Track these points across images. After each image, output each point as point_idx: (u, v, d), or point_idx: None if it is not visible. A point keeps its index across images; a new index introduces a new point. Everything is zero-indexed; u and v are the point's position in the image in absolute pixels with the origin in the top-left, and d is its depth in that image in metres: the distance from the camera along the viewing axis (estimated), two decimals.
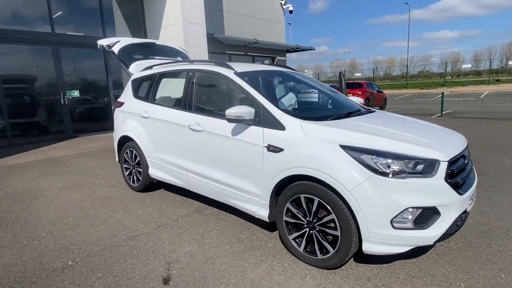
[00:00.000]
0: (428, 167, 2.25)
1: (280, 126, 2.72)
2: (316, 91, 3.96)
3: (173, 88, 4.04)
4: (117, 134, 4.59)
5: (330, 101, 3.59)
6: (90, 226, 3.42)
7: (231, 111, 2.79)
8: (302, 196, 2.57)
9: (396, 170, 2.23)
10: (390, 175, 2.22)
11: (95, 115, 9.68)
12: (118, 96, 4.85)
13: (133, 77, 4.58)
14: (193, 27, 9.46)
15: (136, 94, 4.44)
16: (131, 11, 10.28)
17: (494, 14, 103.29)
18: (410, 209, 2.21)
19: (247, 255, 2.80)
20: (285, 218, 2.73)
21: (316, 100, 3.91)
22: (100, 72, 9.72)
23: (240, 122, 2.84)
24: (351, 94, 15.52)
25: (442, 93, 12.82)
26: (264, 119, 2.82)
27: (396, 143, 2.35)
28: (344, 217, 2.34)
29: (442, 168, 2.27)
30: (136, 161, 4.33)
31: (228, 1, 12.32)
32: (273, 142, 2.71)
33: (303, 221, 2.62)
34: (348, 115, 3.08)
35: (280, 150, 2.66)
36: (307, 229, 2.61)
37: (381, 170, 2.23)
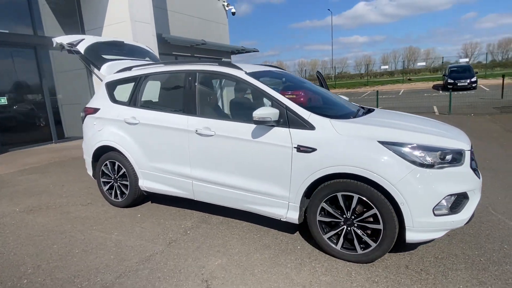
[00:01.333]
0: (458, 156, 2.46)
1: (309, 126, 2.70)
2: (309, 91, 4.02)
3: (166, 90, 3.70)
4: (91, 145, 4.03)
5: (331, 100, 3.67)
6: (86, 253, 2.94)
7: (258, 113, 2.68)
8: (339, 194, 2.58)
9: (434, 161, 2.39)
10: (430, 167, 2.37)
11: (29, 125, 8.37)
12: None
13: (107, 80, 4.08)
14: (142, 26, 8.81)
15: (114, 99, 3.96)
16: (64, 7, 9.15)
17: (396, 22, 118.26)
18: (448, 197, 2.39)
19: (282, 260, 2.71)
20: (319, 218, 2.71)
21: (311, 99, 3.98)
22: (32, 75, 8.43)
23: (266, 124, 2.74)
24: (295, 96, 16.14)
25: (377, 91, 14.16)
26: (289, 120, 2.77)
27: (429, 137, 2.51)
28: (388, 210, 2.42)
29: (467, 157, 2.50)
30: (120, 173, 3.87)
31: (172, 0, 11.77)
32: (303, 143, 2.67)
33: (340, 219, 2.64)
34: (362, 113, 3.19)
35: (313, 150, 2.63)
36: (344, 226, 2.63)
37: (421, 162, 2.37)
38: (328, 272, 2.53)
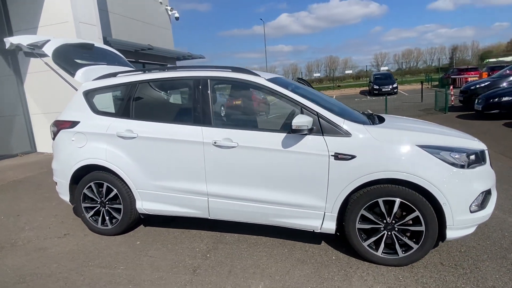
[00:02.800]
0: (482, 156, 2.66)
1: (344, 133, 2.65)
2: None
3: (168, 99, 3.31)
4: (68, 165, 3.39)
5: (343, 107, 3.63)
6: None
7: (297, 121, 2.54)
8: (380, 200, 2.58)
9: (467, 162, 2.54)
10: (466, 167, 2.51)
11: None
12: None
13: (85, 88, 3.50)
14: (87, 28, 7.87)
15: (96, 109, 3.41)
16: None
17: (316, 33, 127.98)
18: (480, 194, 2.56)
19: (326, 274, 2.60)
20: (358, 225, 2.68)
21: None
22: None
23: (301, 132, 2.62)
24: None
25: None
26: (322, 127, 2.69)
27: (458, 139, 2.67)
28: (429, 212, 2.50)
29: (488, 156, 2.73)
30: (110, 196, 3.33)
31: (112, 1, 10.81)
32: (341, 150, 2.62)
33: (380, 224, 2.64)
34: (380, 119, 3.23)
35: (352, 157, 2.59)
36: (385, 231, 2.64)
37: (458, 164, 2.50)
38: (378, 279, 2.50)
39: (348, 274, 2.58)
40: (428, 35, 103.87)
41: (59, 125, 3.48)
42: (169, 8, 14.09)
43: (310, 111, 2.73)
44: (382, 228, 2.64)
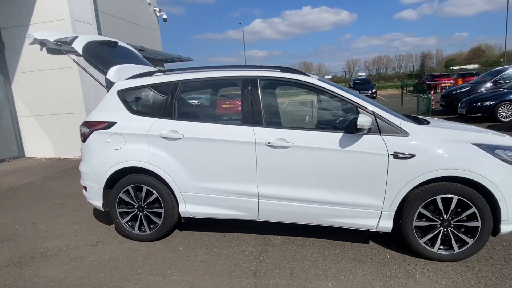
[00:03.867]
0: None
1: (402, 132, 2.71)
2: None
3: (214, 99, 3.22)
4: (103, 168, 3.21)
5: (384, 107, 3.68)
6: None
7: (362, 121, 2.57)
8: (438, 197, 2.65)
9: None
10: None
11: None
12: None
13: (119, 87, 3.33)
14: (83, 27, 7.52)
15: (133, 109, 3.26)
16: None
17: (290, 39, 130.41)
18: None
19: (389, 272, 2.62)
20: (415, 223, 2.73)
21: None
22: None
23: (362, 132, 2.65)
24: (233, 105, 16.09)
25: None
26: (380, 127, 2.73)
27: (503, 138, 2.81)
28: (485, 208, 2.60)
29: None
30: (150, 199, 3.18)
31: (103, 0, 10.41)
32: (400, 149, 2.67)
33: (437, 221, 2.71)
34: (423, 120, 3.31)
35: (412, 156, 2.65)
36: (441, 228, 2.71)
37: (510, 161, 2.62)
38: (440, 275, 2.56)
39: (409, 271, 2.62)
40: (395, 43, 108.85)
41: (92, 126, 3.28)
42: (157, 9, 13.79)
43: (367, 111, 2.76)
44: (439, 225, 2.71)
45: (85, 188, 3.42)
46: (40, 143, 7.87)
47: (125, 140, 3.17)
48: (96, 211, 4.12)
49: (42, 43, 3.52)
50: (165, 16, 14.22)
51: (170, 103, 3.15)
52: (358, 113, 2.77)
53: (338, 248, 3.03)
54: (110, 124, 3.22)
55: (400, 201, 2.72)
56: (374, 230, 2.83)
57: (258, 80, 3.00)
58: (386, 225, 2.79)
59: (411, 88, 27.29)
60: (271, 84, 3.08)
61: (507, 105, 10.14)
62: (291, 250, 3.01)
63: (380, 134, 2.72)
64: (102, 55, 3.55)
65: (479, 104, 10.50)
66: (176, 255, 2.99)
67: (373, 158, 2.70)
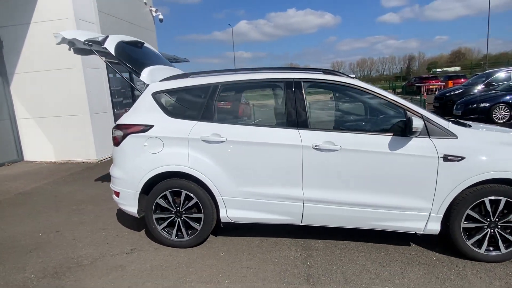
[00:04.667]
0: None
1: (451, 135, 2.73)
2: None
3: (254, 101, 3.16)
4: (139, 173, 3.10)
5: None
6: None
7: (417, 124, 2.57)
8: (486, 199, 2.68)
9: None
10: None
11: None
12: None
13: (154, 89, 3.23)
14: (87, 26, 7.30)
15: (170, 112, 3.17)
16: None
17: (275, 41, 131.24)
18: None
19: (440, 274, 2.63)
20: (463, 225, 2.75)
21: None
22: None
23: (415, 135, 2.66)
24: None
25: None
26: (429, 129, 2.74)
27: None
28: None
29: None
30: (189, 204, 3.09)
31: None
32: (450, 152, 2.68)
33: (484, 223, 2.74)
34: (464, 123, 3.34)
35: (461, 158, 2.67)
36: (488, 229, 2.74)
37: None
38: (491, 276, 2.59)
39: (460, 273, 2.64)
40: (378, 46, 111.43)
41: (127, 129, 3.17)
42: (153, 9, 13.55)
43: (416, 114, 2.77)
44: (486, 226, 2.74)
45: (117, 193, 3.29)
46: (40, 146, 7.58)
47: (164, 144, 3.08)
48: (121, 217, 3.99)
49: (71, 43, 3.38)
50: (161, 17, 13.98)
51: (210, 106, 3.08)
52: (405, 115, 2.78)
53: (382, 251, 3.02)
54: (147, 127, 3.12)
55: (450, 203, 2.74)
56: (421, 232, 2.84)
57: (302, 82, 2.97)
58: (434, 227, 2.80)
59: (400, 90, 27.84)
60: (315, 86, 3.05)
61: (501, 107, 10.47)
62: (336, 255, 2.99)
63: (429, 137, 2.73)
64: (132, 55, 3.45)
65: (474, 106, 10.79)
66: (219, 262, 2.92)
67: (423, 160, 2.71)
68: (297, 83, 2.97)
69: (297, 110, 2.92)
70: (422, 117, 2.76)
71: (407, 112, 2.79)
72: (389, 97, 2.86)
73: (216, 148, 2.99)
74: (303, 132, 2.87)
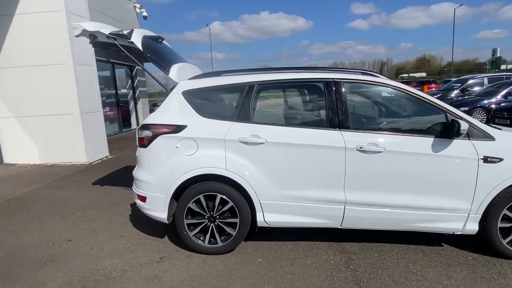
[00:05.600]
0: None
1: (489, 137, 2.79)
2: None
3: (292, 101, 3.07)
4: (170, 176, 2.91)
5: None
6: None
7: (464, 127, 2.61)
8: None
9: None
10: None
11: None
12: None
13: (185, 88, 3.06)
14: (78, 20, 6.85)
15: (205, 112, 3.01)
16: None
17: (249, 43, 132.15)
18: None
19: (482, 273, 2.68)
20: (500, 225, 2.82)
21: None
22: None
23: (460, 137, 2.70)
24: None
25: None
26: (469, 132, 2.78)
27: None
28: None
29: None
30: (224, 209, 2.95)
31: None
32: (490, 153, 2.74)
33: None
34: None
35: (500, 160, 2.74)
36: None
37: None
38: None
39: (502, 272, 2.70)
40: (348, 51, 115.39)
41: (157, 130, 2.97)
42: (138, 6, 13.08)
43: (456, 116, 2.81)
44: None
45: (142, 198, 3.07)
46: (22, 148, 7.01)
47: (198, 145, 2.91)
48: (137, 223, 3.74)
49: (92, 36, 3.12)
50: (145, 14, 13.53)
51: (247, 106, 2.95)
52: (446, 118, 2.81)
53: (418, 252, 3.04)
54: (179, 128, 2.94)
55: (489, 204, 2.80)
56: (459, 233, 2.88)
57: (343, 82, 2.93)
58: (472, 227, 2.85)
59: None
60: (355, 86, 3.02)
61: (479, 111, 11.09)
62: (375, 257, 2.96)
63: (469, 139, 2.78)
64: (158, 51, 3.24)
65: None
66: (260, 268, 2.80)
67: (464, 162, 2.75)
68: (337, 83, 2.92)
69: (338, 111, 2.87)
70: (461, 119, 2.80)
71: (448, 114, 2.82)
72: (430, 99, 2.88)
73: (255, 149, 2.87)
74: (346, 134, 2.83)
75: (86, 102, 7.02)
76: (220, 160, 2.88)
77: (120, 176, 5.97)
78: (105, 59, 10.82)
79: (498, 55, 41.17)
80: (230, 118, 2.97)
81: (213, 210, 2.97)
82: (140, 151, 3.09)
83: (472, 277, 2.63)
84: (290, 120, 3.05)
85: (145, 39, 3.19)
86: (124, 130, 12.49)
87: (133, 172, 3.23)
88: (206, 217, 2.99)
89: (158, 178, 2.98)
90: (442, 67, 62.77)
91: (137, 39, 3.06)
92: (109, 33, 3.06)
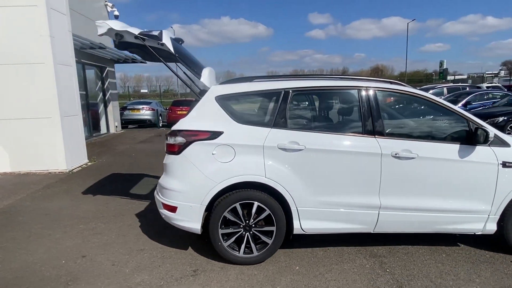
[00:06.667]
0: None
1: (505, 144, 3.04)
2: None
3: (325, 108, 3.08)
4: (208, 184, 2.79)
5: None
6: None
7: (491, 135, 2.82)
8: None
9: None
10: None
11: None
12: None
13: (218, 93, 2.96)
14: (58, 17, 6.36)
15: (240, 118, 2.93)
16: None
17: (210, 47, 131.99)
18: None
19: (508, 271, 2.88)
20: None
21: None
22: None
23: (486, 144, 2.90)
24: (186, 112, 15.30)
25: None
26: None
27: None
28: None
29: None
30: (260, 217, 2.88)
31: None
32: (508, 159, 2.97)
33: None
34: None
35: None
36: None
37: None
38: None
39: None
40: (307, 59, 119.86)
41: (192, 136, 2.83)
42: (110, 4, 12.44)
43: (478, 125, 3.01)
44: None
45: (172, 208, 2.90)
46: None
47: (235, 152, 2.83)
48: (153, 234, 3.53)
49: (119, 35, 2.90)
50: (116, 13, 12.90)
51: (283, 112, 2.93)
52: (469, 126, 3.01)
53: (441, 253, 3.20)
54: (216, 134, 2.83)
55: (507, 205, 3.03)
56: (480, 233, 3.09)
57: (376, 91, 3.02)
58: (491, 227, 3.07)
59: None
60: (387, 95, 3.13)
61: None
62: (404, 259, 3.07)
63: (489, 146, 3.00)
64: (185, 53, 3.10)
65: None
66: (301, 277, 2.77)
67: (486, 167, 2.96)
68: (371, 92, 3.01)
69: (372, 118, 2.95)
70: (480, 127, 3.02)
71: (470, 122, 3.02)
72: (455, 108, 3.07)
73: (294, 156, 2.85)
74: (381, 140, 2.91)
75: (66, 104, 6.50)
76: (259, 167, 2.82)
77: (111, 184, 5.59)
78: (76, 59, 10.11)
79: (445, 67, 45.27)
80: (266, 124, 2.92)
81: (249, 218, 2.90)
82: (170, 159, 2.93)
83: (497, 274, 2.82)
84: (326, 126, 3.08)
85: (173, 41, 3.04)
86: (94, 135, 11.75)
87: (159, 181, 3.04)
88: (242, 226, 2.90)
89: (191, 186, 2.84)
90: (395, 77, 67.25)
91: (167, 41, 2.90)
92: (138, 33, 2.86)
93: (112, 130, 12.99)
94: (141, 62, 13.97)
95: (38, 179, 5.85)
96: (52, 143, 6.31)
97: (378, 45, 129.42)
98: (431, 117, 3.25)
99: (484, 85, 21.70)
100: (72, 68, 6.86)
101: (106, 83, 12.67)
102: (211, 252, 3.11)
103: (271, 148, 2.84)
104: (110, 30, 2.84)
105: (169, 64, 3.26)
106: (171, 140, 2.89)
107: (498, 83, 25.11)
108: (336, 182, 2.92)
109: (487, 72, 56.92)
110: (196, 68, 3.01)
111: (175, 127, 2.93)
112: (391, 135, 2.98)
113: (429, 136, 3.09)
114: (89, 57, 11.14)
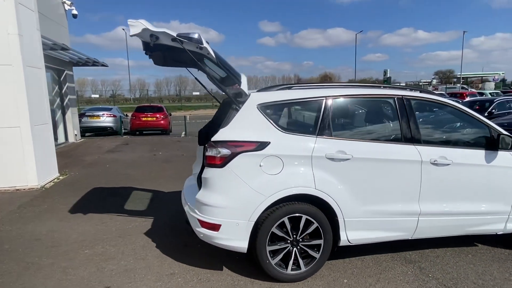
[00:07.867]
0: None
1: None
2: None
3: (363, 116, 3.06)
4: (257, 199, 2.60)
5: None
6: None
7: None
8: None
9: None
10: None
11: None
12: None
13: (258, 101, 2.78)
14: (26, 13, 5.62)
15: (284, 127, 2.79)
16: None
17: None
18: None
19: None
20: None
21: None
22: None
23: (506, 149, 3.10)
24: (155, 118, 14.61)
25: (185, 116, 15.41)
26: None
27: None
28: None
29: None
30: (308, 231, 2.76)
31: None
32: None
33: None
34: None
35: None
36: None
37: None
38: None
39: None
40: (259, 65, 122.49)
41: (237, 147, 2.62)
42: (68, 3, 11.39)
43: (500, 132, 3.20)
44: None
45: (214, 226, 2.65)
46: None
47: (284, 163, 2.68)
48: (175, 254, 3.22)
49: (154, 37, 2.58)
50: (75, 12, 11.86)
51: (326, 120, 2.85)
52: (490, 132, 3.20)
53: (467, 254, 3.35)
54: (263, 145, 2.66)
55: None
56: (501, 233, 3.29)
57: (411, 99, 3.08)
58: (511, 227, 3.28)
59: None
60: (421, 104, 3.21)
61: None
62: (438, 263, 3.15)
63: (509, 150, 3.22)
64: (223, 59, 2.87)
65: None
66: None
67: (508, 171, 3.18)
68: (408, 100, 3.06)
69: (411, 126, 3.01)
70: (498, 133, 3.22)
71: (492, 129, 3.22)
72: (480, 117, 3.25)
73: (341, 166, 2.79)
74: (420, 148, 2.98)
75: (36, 112, 5.75)
76: (309, 179, 2.70)
77: (98, 201, 5.03)
78: None
79: (388, 75, 49.13)
80: (311, 133, 2.82)
81: (296, 233, 2.76)
82: (211, 172, 2.68)
83: None
84: (368, 135, 3.06)
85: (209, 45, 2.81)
86: None
87: (197, 196, 2.77)
88: (289, 241, 2.75)
89: (237, 201, 2.63)
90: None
91: (207, 44, 2.66)
92: (177, 35, 2.58)
93: (71, 139, 11.85)
94: (103, 65, 12.99)
95: (7, 198, 5.06)
96: (20, 156, 5.52)
97: (325, 54, 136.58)
98: (458, 124, 3.41)
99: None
100: (41, 71, 6.12)
101: (64, 87, 11.54)
102: (248, 270, 2.92)
103: (319, 158, 2.74)
104: (145, 30, 2.53)
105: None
106: (213, 152, 2.65)
107: (441, 91, 27.52)
108: (381, 190, 2.91)
109: (421, 81, 62.90)
110: (234, 73, 2.81)
111: (216, 138, 2.69)
112: (427, 142, 3.06)
113: (459, 143, 3.23)
114: (45, 59, 10.04)
